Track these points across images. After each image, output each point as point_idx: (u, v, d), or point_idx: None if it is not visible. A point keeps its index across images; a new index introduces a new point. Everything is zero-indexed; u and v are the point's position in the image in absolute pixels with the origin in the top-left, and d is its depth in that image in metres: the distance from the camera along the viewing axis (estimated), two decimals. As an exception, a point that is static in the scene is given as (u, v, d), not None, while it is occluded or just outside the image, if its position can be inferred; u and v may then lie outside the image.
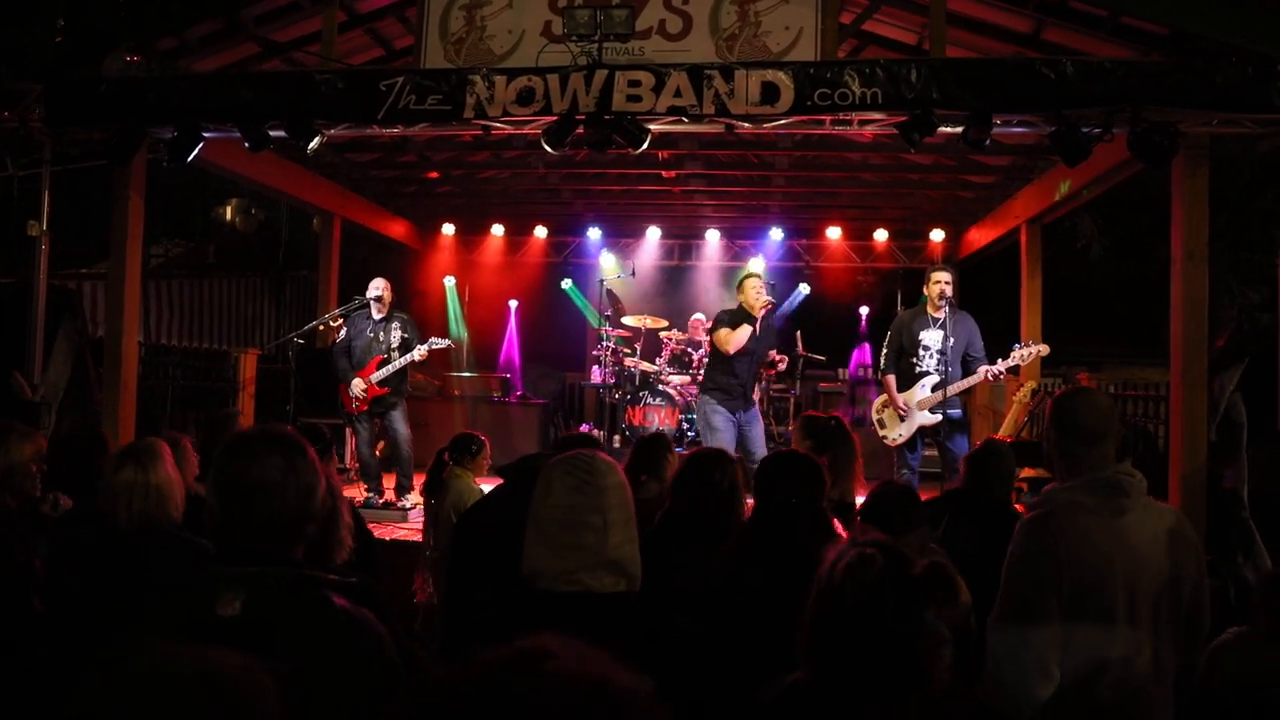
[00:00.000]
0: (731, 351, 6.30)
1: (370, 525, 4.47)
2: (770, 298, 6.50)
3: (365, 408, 6.79)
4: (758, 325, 6.37)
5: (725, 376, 6.45)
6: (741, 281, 6.64)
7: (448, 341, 7.08)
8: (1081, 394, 2.34)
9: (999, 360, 6.16)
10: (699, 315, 9.58)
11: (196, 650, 0.99)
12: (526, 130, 5.50)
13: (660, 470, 3.83)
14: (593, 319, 10.80)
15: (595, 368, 9.48)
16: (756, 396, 6.78)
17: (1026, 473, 5.95)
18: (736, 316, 6.43)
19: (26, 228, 6.08)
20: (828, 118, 5.20)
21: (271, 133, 5.50)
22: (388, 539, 5.86)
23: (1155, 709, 2.13)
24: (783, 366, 6.45)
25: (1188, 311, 5.26)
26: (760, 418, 6.58)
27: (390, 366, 6.70)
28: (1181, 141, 4.85)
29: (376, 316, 6.87)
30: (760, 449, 6.32)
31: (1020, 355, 6.24)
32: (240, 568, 1.64)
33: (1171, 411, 5.39)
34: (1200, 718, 2.50)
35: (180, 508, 2.98)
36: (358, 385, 6.68)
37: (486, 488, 4.47)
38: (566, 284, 11.08)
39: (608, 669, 0.80)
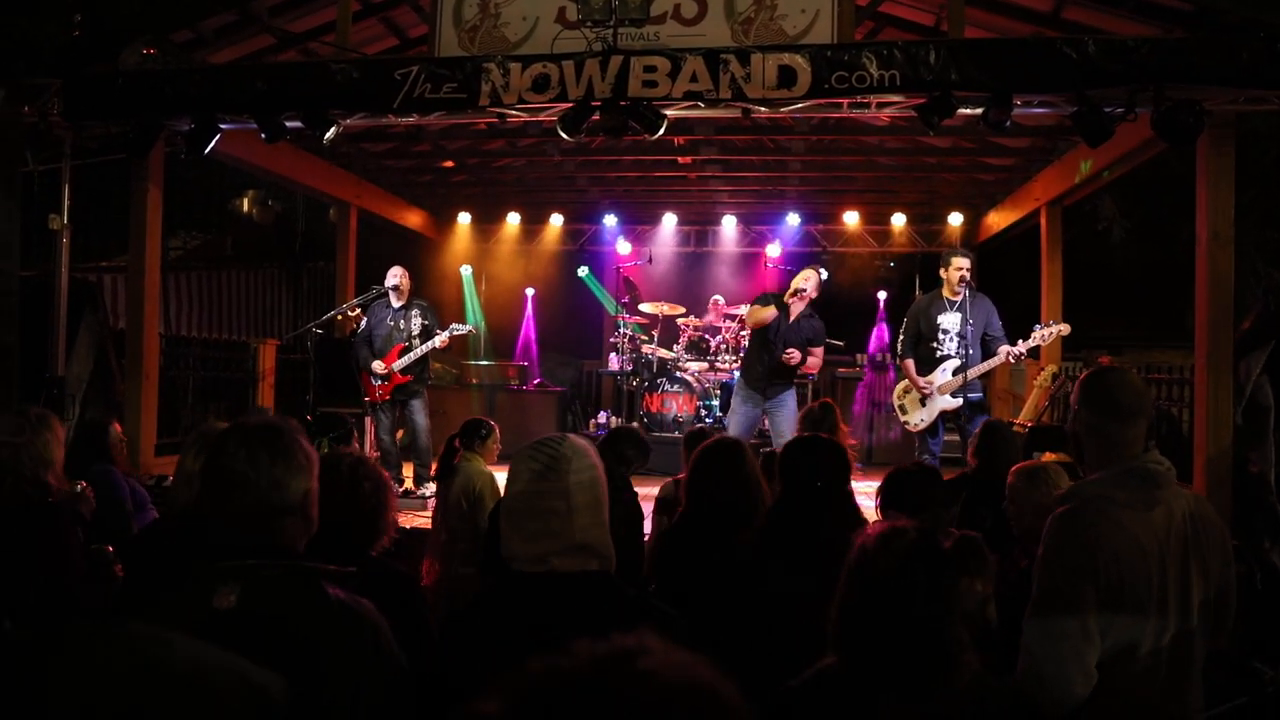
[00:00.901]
0: (749, 326, 6.42)
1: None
2: (809, 290, 6.48)
3: (388, 396, 6.82)
4: (789, 314, 6.41)
5: (749, 358, 6.60)
6: (800, 271, 6.73)
7: (469, 327, 7.09)
8: (1114, 371, 2.28)
9: (1019, 341, 6.12)
10: (718, 297, 9.55)
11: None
12: (542, 118, 5.48)
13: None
14: (609, 306, 10.78)
15: (613, 355, 9.48)
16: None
17: (1048, 457, 5.90)
18: (769, 299, 6.53)
19: (48, 221, 6.13)
20: (845, 101, 5.15)
21: (288, 123, 5.51)
22: (407, 526, 5.89)
23: (1187, 696, 2.11)
24: (792, 362, 6.41)
25: (1213, 293, 5.19)
26: (788, 402, 6.53)
27: (413, 354, 6.73)
28: (1207, 120, 4.76)
29: (396, 305, 6.89)
30: (786, 433, 6.32)
31: (1041, 335, 6.19)
32: (237, 560, 1.65)
33: (1196, 395, 5.32)
34: None
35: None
36: (379, 366, 6.71)
37: (497, 474, 4.50)
38: (583, 271, 11.07)
39: (698, 668, 0.81)
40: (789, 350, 6.40)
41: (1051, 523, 2.09)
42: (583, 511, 1.78)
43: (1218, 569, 2.14)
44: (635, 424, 6.15)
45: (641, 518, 4.13)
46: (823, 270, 6.82)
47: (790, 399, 6.60)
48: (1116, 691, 2.01)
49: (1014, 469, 3.65)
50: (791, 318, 6.48)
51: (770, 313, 6.38)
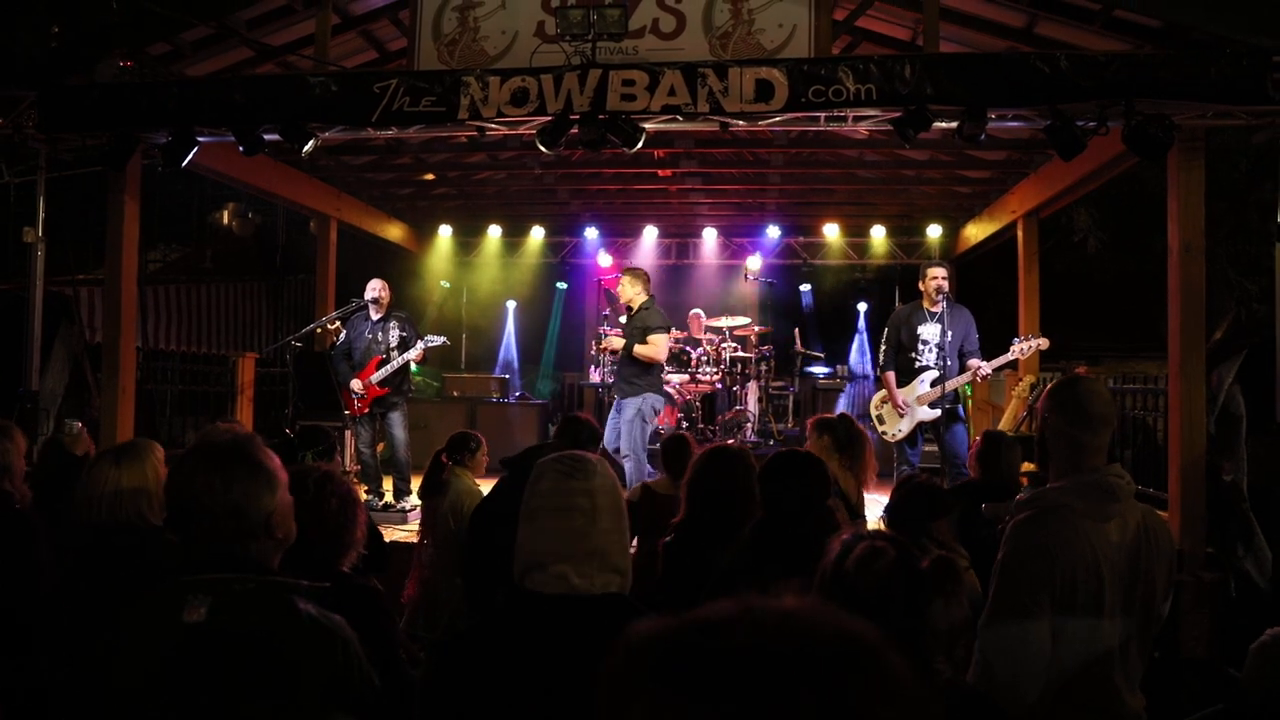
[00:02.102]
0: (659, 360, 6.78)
1: (371, 528, 4.47)
2: (632, 295, 6.77)
3: (367, 409, 6.79)
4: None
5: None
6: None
7: (444, 339, 7.09)
8: (1085, 380, 2.32)
9: (987, 359, 6.18)
10: (697, 310, 9.57)
11: None
12: (521, 131, 5.50)
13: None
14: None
15: (594, 368, 9.47)
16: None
17: (1025, 467, 5.96)
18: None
19: (22, 234, 6.08)
20: (822, 114, 5.19)
21: (266, 136, 5.50)
22: (386, 540, 5.85)
23: (1133, 701, 2.16)
24: (605, 346, 6.86)
25: (1185, 304, 5.26)
26: (625, 410, 6.56)
27: (389, 366, 6.71)
28: (1176, 134, 4.84)
29: (375, 317, 6.88)
30: (610, 442, 6.47)
31: (1020, 349, 6.26)
32: (209, 573, 1.64)
33: (1170, 404, 5.38)
34: None
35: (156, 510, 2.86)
36: (357, 385, 6.69)
37: (485, 487, 4.49)
38: (562, 286, 11.10)
39: (841, 616, 0.78)
40: (606, 342, 6.82)
41: (1012, 528, 2.13)
42: (605, 514, 1.75)
43: (1163, 581, 2.20)
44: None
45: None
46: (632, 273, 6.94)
47: (629, 407, 6.55)
48: (1066, 695, 2.05)
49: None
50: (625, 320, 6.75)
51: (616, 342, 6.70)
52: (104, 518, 2.65)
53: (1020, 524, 2.13)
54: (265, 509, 1.71)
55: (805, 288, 10.81)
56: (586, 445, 4.23)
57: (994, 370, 6.28)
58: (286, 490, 1.76)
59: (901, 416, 6.27)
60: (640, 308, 6.74)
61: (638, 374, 6.57)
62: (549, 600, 1.68)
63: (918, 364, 6.23)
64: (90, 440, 4.68)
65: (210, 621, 1.58)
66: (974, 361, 6.11)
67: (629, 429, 6.45)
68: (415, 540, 5.55)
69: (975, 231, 9.92)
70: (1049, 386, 2.38)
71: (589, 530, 1.72)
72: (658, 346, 6.61)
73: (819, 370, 10.41)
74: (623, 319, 6.91)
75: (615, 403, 6.66)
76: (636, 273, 6.89)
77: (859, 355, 11.18)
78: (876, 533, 1.81)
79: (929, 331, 6.22)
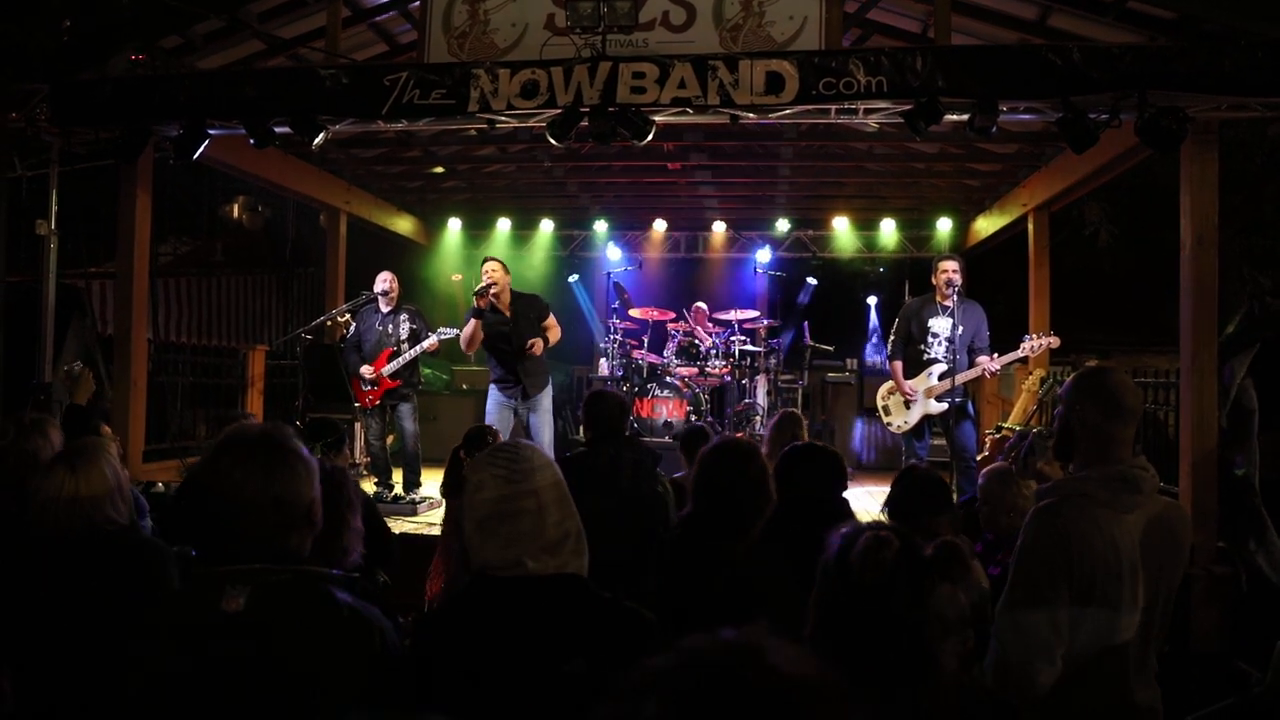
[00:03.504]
0: (469, 350, 6.49)
1: (380, 520, 4.48)
2: (498, 282, 6.31)
3: (377, 401, 6.81)
4: (499, 308, 6.33)
5: (495, 366, 6.51)
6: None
7: (456, 331, 7.10)
8: (1114, 371, 2.29)
9: (998, 354, 6.18)
10: (700, 304, 9.57)
11: None
12: (531, 124, 5.50)
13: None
14: (595, 325, 10.86)
15: (603, 360, 9.48)
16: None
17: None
18: (469, 313, 6.40)
19: (35, 227, 6.10)
20: (833, 107, 5.18)
21: (276, 129, 5.51)
22: (396, 534, 5.87)
23: (1146, 691, 2.16)
24: (536, 351, 6.28)
25: (1197, 297, 5.23)
26: (543, 410, 6.46)
27: (401, 358, 6.72)
28: (1190, 126, 4.80)
29: (385, 310, 6.90)
30: (548, 440, 6.36)
31: (1030, 347, 6.25)
32: (244, 564, 1.64)
33: (1181, 398, 5.36)
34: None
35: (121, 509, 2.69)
36: (367, 371, 6.71)
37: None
38: (574, 279, 11.09)
39: (817, 665, 0.84)
40: (530, 342, 6.26)
41: (1032, 515, 2.13)
42: (552, 508, 1.81)
43: (1177, 575, 2.20)
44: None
45: (665, 510, 4.09)
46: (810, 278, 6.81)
47: (546, 397, 6.49)
48: (1080, 685, 2.05)
49: (985, 471, 3.68)
50: (505, 312, 6.35)
51: (469, 327, 6.28)
52: (65, 524, 2.51)
53: (1040, 511, 2.13)
54: (306, 498, 1.71)
55: (813, 281, 10.78)
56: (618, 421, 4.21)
57: (997, 370, 6.29)
58: (315, 492, 1.76)
59: (908, 408, 6.26)
60: (519, 295, 6.52)
61: (544, 365, 6.54)
62: (506, 583, 1.77)
63: (926, 356, 6.22)
64: (93, 383, 4.56)
65: (249, 610, 1.59)
66: (983, 359, 6.11)
67: (548, 420, 6.46)
68: (423, 534, 5.58)
69: (986, 225, 9.88)
70: (1075, 376, 2.34)
71: (539, 528, 1.79)
72: (558, 329, 6.65)
73: (829, 363, 10.38)
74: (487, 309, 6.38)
75: (530, 399, 6.42)
76: (501, 262, 6.53)
77: (875, 353, 11.15)
78: (878, 524, 1.80)
79: (940, 325, 6.21)
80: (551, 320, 6.61)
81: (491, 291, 6.28)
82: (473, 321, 6.30)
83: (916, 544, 1.66)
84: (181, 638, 1.62)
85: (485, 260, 6.48)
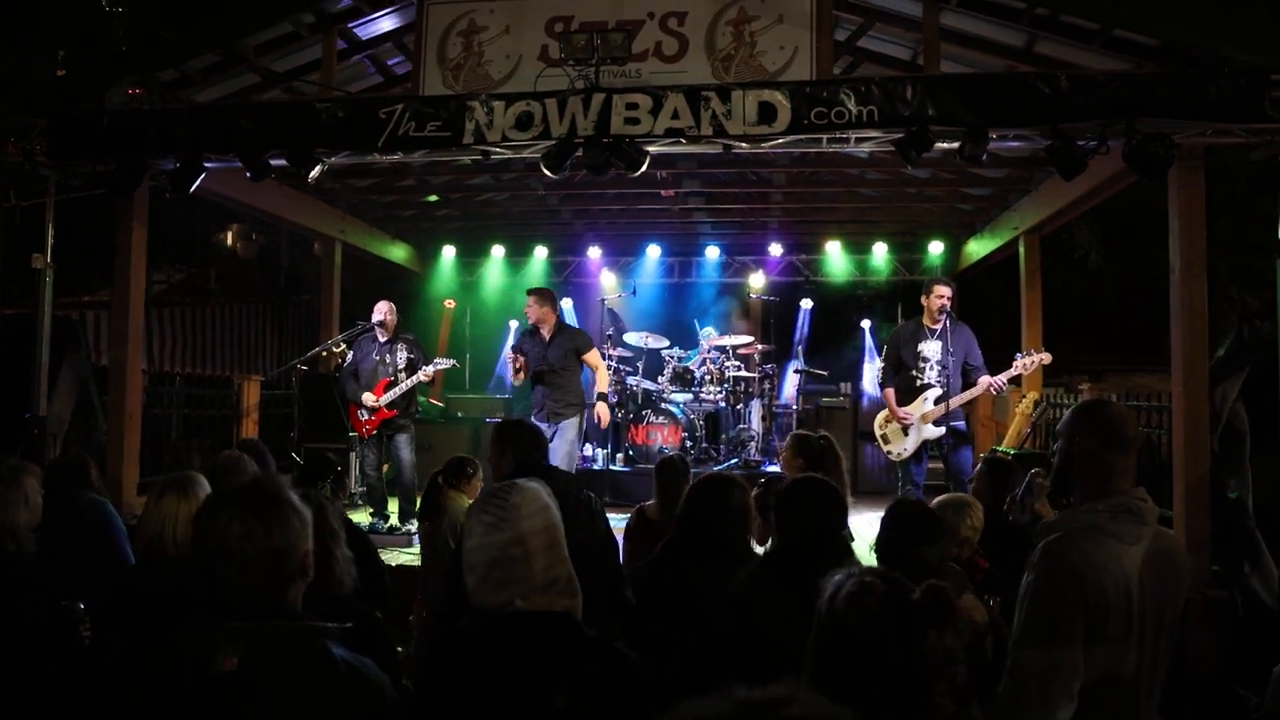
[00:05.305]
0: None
1: (375, 551, 4.47)
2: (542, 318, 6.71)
3: (374, 430, 6.80)
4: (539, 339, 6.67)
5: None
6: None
7: (452, 361, 7.12)
8: (1113, 404, 2.33)
9: (1000, 373, 6.20)
10: (709, 329, 9.59)
11: None
12: (525, 155, 5.54)
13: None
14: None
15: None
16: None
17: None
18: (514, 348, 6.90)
19: (30, 259, 6.10)
20: (825, 136, 5.23)
21: (272, 162, 5.54)
22: (392, 564, 5.85)
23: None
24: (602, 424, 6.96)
25: (1187, 321, 5.27)
26: (562, 432, 6.51)
27: (399, 388, 6.72)
28: (1176, 152, 4.87)
29: (382, 339, 6.90)
30: (563, 463, 6.37)
31: (1023, 364, 6.28)
32: (238, 620, 1.62)
33: (1174, 421, 5.39)
34: None
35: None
36: (368, 398, 6.71)
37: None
38: (566, 303, 11.11)
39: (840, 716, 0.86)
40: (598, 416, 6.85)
41: (1043, 549, 2.11)
42: (540, 555, 1.85)
43: (1180, 604, 2.21)
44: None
45: (616, 546, 4.12)
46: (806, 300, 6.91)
47: (571, 428, 6.54)
48: (1094, 717, 2.04)
49: (939, 500, 3.67)
50: (545, 339, 6.64)
51: (507, 360, 6.80)
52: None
53: (1051, 545, 2.12)
54: (301, 551, 1.71)
55: (807, 304, 10.83)
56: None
57: (1004, 385, 6.31)
58: (308, 543, 1.75)
59: (906, 435, 6.27)
60: (564, 327, 6.81)
61: (577, 393, 6.68)
62: (499, 618, 1.83)
63: (920, 382, 6.25)
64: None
65: (244, 669, 1.56)
66: (985, 378, 6.13)
67: (572, 449, 6.54)
68: (418, 564, 5.56)
69: (977, 248, 9.96)
70: (1073, 409, 2.36)
71: (527, 574, 1.84)
72: (603, 366, 6.98)
73: (823, 388, 10.40)
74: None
75: (555, 423, 6.49)
76: (544, 293, 6.83)
77: (870, 378, 11.17)
78: (865, 569, 1.82)
79: (930, 349, 6.24)
80: (595, 357, 6.80)
81: (531, 320, 6.73)
82: (507, 352, 6.55)
83: (903, 588, 1.66)
84: (173, 698, 1.58)
85: (527, 293, 6.88)
